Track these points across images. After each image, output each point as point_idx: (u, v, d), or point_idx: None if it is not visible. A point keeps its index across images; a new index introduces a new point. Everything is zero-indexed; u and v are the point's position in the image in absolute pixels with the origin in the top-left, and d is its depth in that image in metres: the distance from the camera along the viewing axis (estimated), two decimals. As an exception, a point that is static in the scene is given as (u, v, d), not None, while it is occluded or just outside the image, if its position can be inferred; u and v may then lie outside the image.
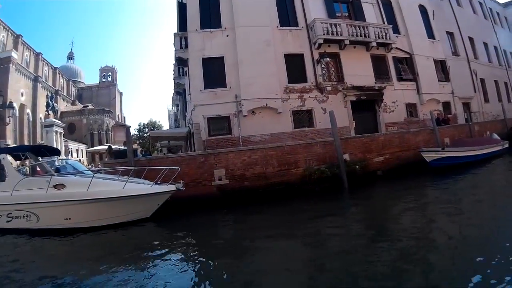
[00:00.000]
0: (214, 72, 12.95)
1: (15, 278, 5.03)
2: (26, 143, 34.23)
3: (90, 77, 78.26)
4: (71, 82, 61.00)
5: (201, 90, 12.77)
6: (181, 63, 14.10)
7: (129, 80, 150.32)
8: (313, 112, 13.64)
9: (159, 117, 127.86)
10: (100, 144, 45.17)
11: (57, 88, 48.57)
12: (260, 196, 9.85)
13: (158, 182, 8.05)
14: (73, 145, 42.58)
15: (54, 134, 22.73)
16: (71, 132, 45.11)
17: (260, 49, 13.27)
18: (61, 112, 40.92)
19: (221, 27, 13.51)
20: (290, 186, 10.49)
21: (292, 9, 14.62)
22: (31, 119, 38.77)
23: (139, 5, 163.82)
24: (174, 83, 16.66)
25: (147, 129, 51.40)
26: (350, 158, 11.74)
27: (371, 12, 16.05)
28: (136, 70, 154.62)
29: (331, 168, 10.97)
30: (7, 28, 41.35)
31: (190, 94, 13.40)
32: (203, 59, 13.00)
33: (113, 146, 17.87)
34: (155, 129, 47.22)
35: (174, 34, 13.75)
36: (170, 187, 7.95)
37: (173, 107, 30.36)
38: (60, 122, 27.73)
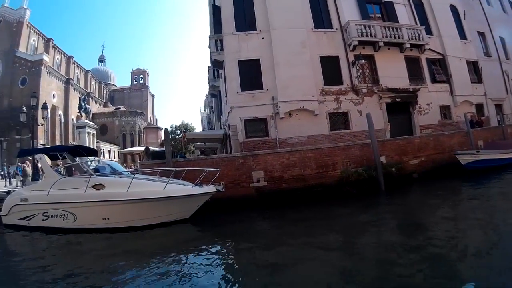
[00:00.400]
0: (251, 74, 13.06)
1: (48, 275, 5.19)
2: (57, 143, 35.29)
3: (121, 80, 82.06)
4: (102, 85, 62.86)
5: (238, 92, 12.90)
6: (217, 65, 14.21)
7: (161, 83, 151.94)
8: (349, 114, 13.63)
9: (191, 119, 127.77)
10: (132, 145, 45.97)
11: (89, 91, 50.15)
12: (298, 198, 9.88)
13: (198, 184, 8.08)
14: (105, 146, 43.42)
15: (86, 135, 23.29)
16: (103, 133, 46.20)
17: (295, 51, 13.31)
18: (93, 114, 42.11)
19: (256, 30, 13.58)
20: (327, 188, 10.49)
21: (326, 11, 14.59)
22: (63, 121, 40.19)
23: (171, 8, 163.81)
24: (209, 86, 16.74)
25: (179, 131, 52.35)
26: (386, 161, 11.71)
27: (404, 13, 15.89)
28: (168, 72, 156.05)
29: (368, 171, 10.99)
30: (38, 32, 43.28)
31: (226, 96, 13.52)
32: (239, 61, 13.12)
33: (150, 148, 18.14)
34: (188, 131, 47.71)
35: (209, 36, 13.90)
36: (211, 189, 7.96)
37: (206, 110, 30.48)
38: (92, 123, 28.49)
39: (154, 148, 19.55)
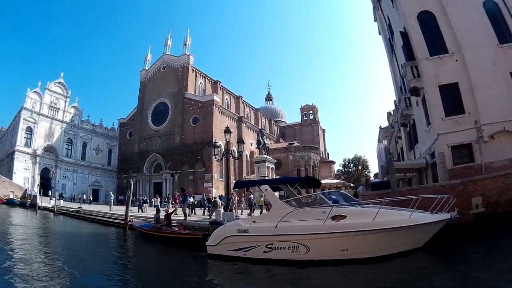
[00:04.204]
0: (451, 99, 13.07)
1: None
2: (232, 177, 36.96)
3: (290, 116, 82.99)
4: (272, 122, 65.95)
5: (442, 119, 12.98)
6: (414, 92, 14.05)
7: (331, 116, 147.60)
8: (543, 134, 13.70)
9: (363, 152, 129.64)
10: (307, 180, 47.53)
11: (260, 128, 51.61)
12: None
13: (434, 212, 7.96)
14: (282, 181, 44.62)
15: (266, 169, 24.05)
16: (277, 167, 46.59)
17: (488, 70, 13.17)
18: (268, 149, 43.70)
19: (448, 52, 13.42)
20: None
21: (504, 23, 14.22)
22: (236, 155, 41.78)
23: (332, 43, 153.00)
24: (402, 115, 16.44)
25: (352, 164, 53.99)
26: None
27: None
28: (337, 106, 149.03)
29: None
30: (204, 75, 47.30)
31: (430, 124, 13.57)
32: (439, 86, 13.06)
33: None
34: (360, 164, 53.34)
35: (403, 64, 13.71)
36: (446, 216, 7.75)
37: (383, 141, 30.20)
38: (271, 158, 29.63)
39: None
